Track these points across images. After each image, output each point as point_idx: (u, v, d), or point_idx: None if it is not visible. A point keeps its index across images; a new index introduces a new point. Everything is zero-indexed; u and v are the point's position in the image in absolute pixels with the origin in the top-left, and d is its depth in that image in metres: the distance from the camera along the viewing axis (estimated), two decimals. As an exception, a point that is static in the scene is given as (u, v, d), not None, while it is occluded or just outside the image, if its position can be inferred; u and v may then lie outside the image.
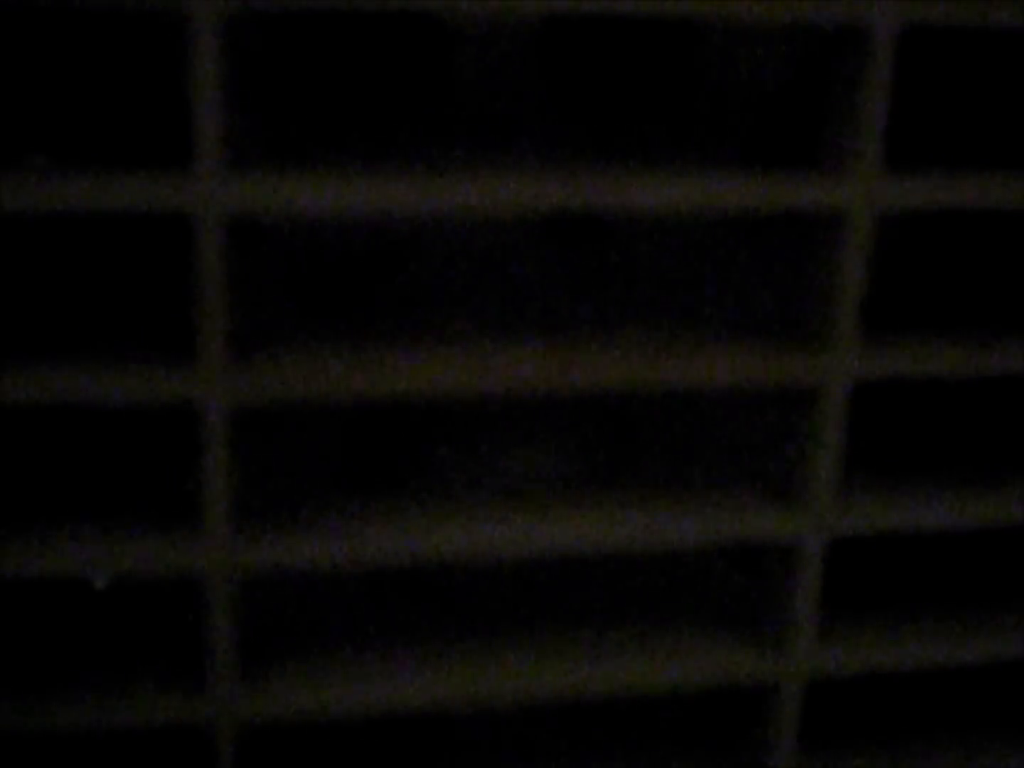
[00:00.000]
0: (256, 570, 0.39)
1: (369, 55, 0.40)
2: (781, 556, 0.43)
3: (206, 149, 0.34)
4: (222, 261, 0.35)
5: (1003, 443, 0.47)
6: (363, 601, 0.45)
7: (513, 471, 0.44)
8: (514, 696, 0.42)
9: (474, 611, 0.45)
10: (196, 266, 0.35)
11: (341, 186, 0.35)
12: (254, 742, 0.45)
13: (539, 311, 0.43)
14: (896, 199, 0.39)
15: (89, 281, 0.41)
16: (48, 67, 0.39)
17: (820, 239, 0.40)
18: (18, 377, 0.36)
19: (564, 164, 0.38)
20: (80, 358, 0.37)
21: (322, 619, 0.44)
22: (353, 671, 0.41)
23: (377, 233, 0.42)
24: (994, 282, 0.47)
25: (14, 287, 0.40)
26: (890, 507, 0.42)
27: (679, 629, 0.44)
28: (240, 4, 0.34)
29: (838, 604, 0.46)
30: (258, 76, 0.40)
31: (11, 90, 0.39)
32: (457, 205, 0.36)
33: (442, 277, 0.42)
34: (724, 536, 0.41)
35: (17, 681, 0.40)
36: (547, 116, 0.42)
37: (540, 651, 0.43)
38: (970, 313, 0.45)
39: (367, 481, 0.43)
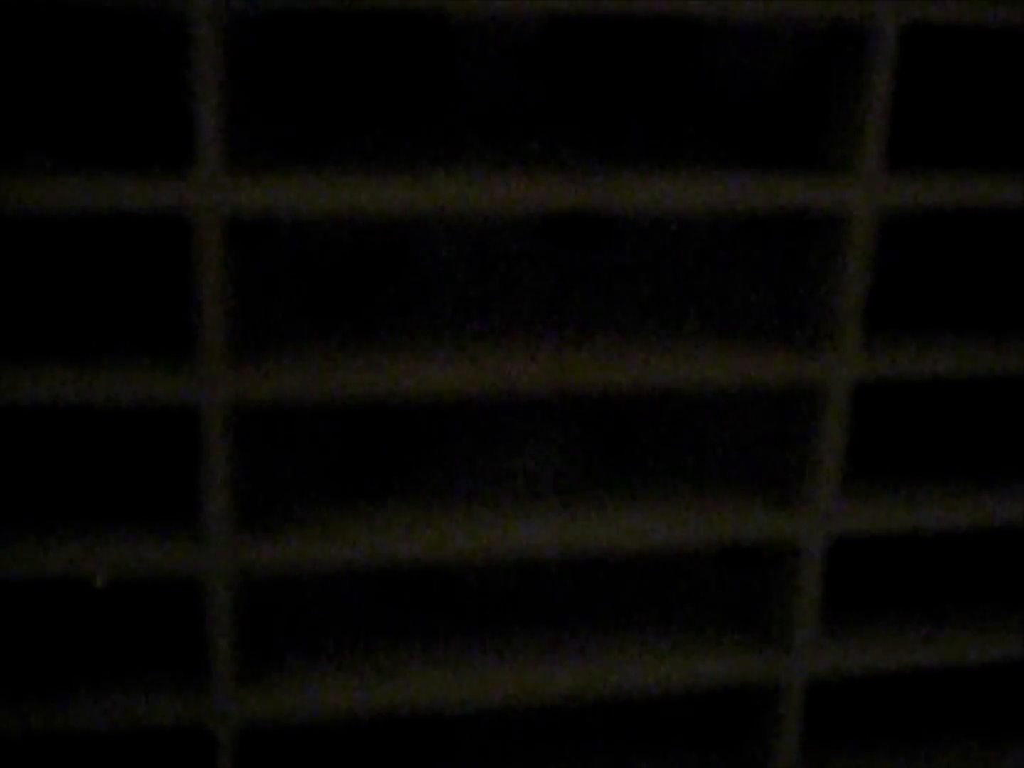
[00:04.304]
0: (256, 570, 0.39)
1: (370, 55, 0.40)
2: (781, 556, 0.43)
3: (206, 149, 0.34)
4: (221, 261, 0.35)
5: (1004, 443, 0.47)
6: (363, 601, 0.45)
7: (513, 471, 0.44)
8: (514, 696, 0.42)
9: (474, 611, 0.45)
10: (196, 266, 0.35)
11: (341, 186, 0.35)
12: (254, 742, 0.45)
13: (539, 311, 0.43)
14: (898, 199, 0.39)
15: (89, 281, 0.41)
16: (47, 66, 0.39)
17: (822, 239, 0.40)
18: (18, 377, 0.36)
19: (565, 164, 0.38)
20: (80, 358, 0.37)
21: (322, 619, 0.44)
22: (353, 671, 0.41)
23: (378, 233, 0.42)
24: (996, 282, 0.47)
25: (13, 287, 0.40)
26: (890, 507, 0.42)
27: (679, 629, 0.44)
28: (240, 4, 0.34)
29: (838, 604, 0.46)
30: (259, 76, 0.39)
31: (10, 89, 0.39)
32: (457, 205, 0.36)
33: (442, 277, 0.42)
34: (724, 536, 0.41)
35: (17, 681, 0.40)
36: (548, 115, 0.42)
37: (540, 651, 0.43)
38: (972, 313, 0.45)
39: (367, 481, 0.43)
